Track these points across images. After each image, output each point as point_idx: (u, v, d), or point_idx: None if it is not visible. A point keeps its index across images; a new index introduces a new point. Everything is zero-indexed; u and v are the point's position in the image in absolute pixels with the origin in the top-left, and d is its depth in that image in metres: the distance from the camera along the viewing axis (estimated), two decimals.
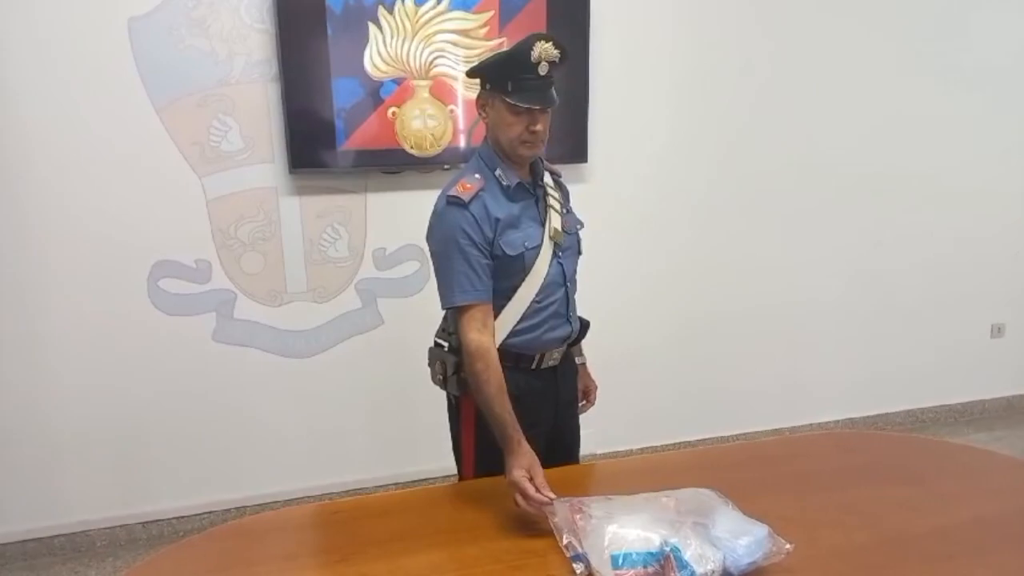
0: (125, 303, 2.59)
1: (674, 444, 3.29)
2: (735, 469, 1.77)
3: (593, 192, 2.92)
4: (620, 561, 1.27)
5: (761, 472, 1.75)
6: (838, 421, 3.54)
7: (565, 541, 1.37)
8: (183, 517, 2.79)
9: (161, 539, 2.74)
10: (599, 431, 2.96)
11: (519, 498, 1.46)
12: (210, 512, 2.81)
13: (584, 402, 2.01)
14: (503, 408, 1.55)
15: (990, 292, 3.64)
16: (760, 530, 1.35)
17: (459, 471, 1.83)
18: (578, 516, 1.40)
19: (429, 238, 1.68)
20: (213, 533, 1.56)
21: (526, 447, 1.52)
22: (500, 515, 1.50)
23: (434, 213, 1.67)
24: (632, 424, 3.22)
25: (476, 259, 1.61)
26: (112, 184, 2.51)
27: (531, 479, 1.46)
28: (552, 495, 1.44)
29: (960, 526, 1.49)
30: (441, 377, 1.76)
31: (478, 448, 1.73)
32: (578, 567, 1.32)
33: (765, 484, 1.67)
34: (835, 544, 1.42)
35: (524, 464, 1.49)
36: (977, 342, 3.68)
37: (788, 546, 1.32)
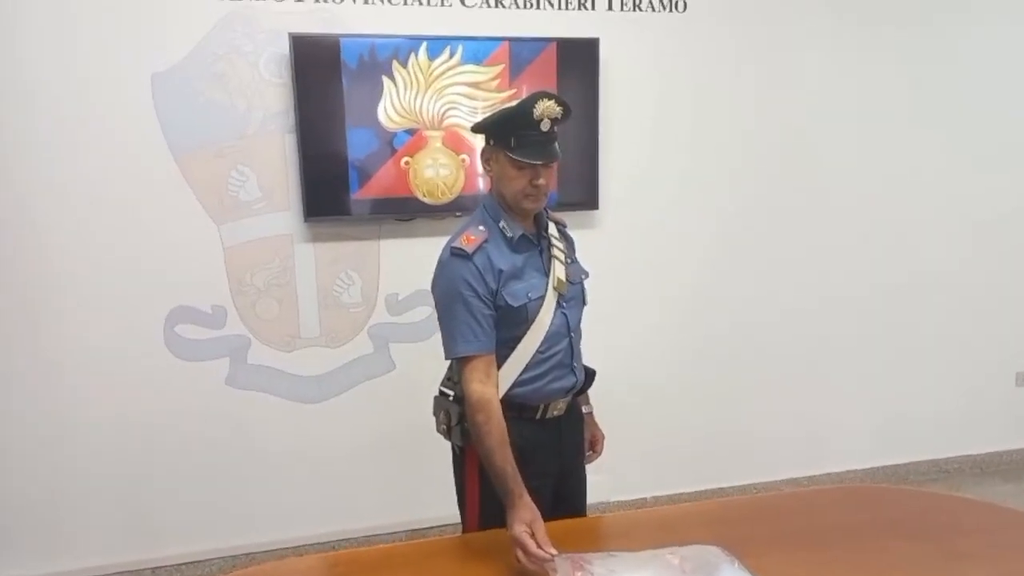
0: (141, 347, 2.64)
1: (689, 493, 3.24)
2: (745, 523, 1.73)
3: (605, 238, 2.94)
4: None
5: (772, 527, 1.71)
6: (857, 471, 3.46)
7: None
8: (192, 563, 2.78)
9: None
10: (612, 478, 2.95)
11: (520, 554, 1.44)
12: (220, 558, 2.80)
13: (591, 452, 2.00)
14: (504, 461, 1.55)
15: (1015, 338, 3.57)
16: None
17: (463, 522, 1.81)
18: (579, 574, 1.38)
19: (433, 289, 1.70)
20: None
21: (528, 501, 1.51)
22: (502, 570, 1.48)
23: (439, 264, 1.69)
24: (645, 472, 3.18)
25: (479, 310, 1.62)
26: (132, 232, 2.57)
27: (532, 534, 1.45)
28: (554, 551, 1.42)
29: None
30: (445, 427, 1.76)
31: (483, 500, 1.72)
32: None
33: (775, 540, 1.63)
34: None
35: (526, 519, 1.47)
36: (1002, 390, 3.59)
37: None
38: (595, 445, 2.00)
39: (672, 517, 1.89)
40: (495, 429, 1.57)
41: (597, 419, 2.02)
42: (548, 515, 1.57)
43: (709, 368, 3.22)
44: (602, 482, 2.93)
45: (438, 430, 1.80)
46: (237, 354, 2.73)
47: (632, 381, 3.02)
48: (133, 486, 2.71)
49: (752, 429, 3.31)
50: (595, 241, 2.75)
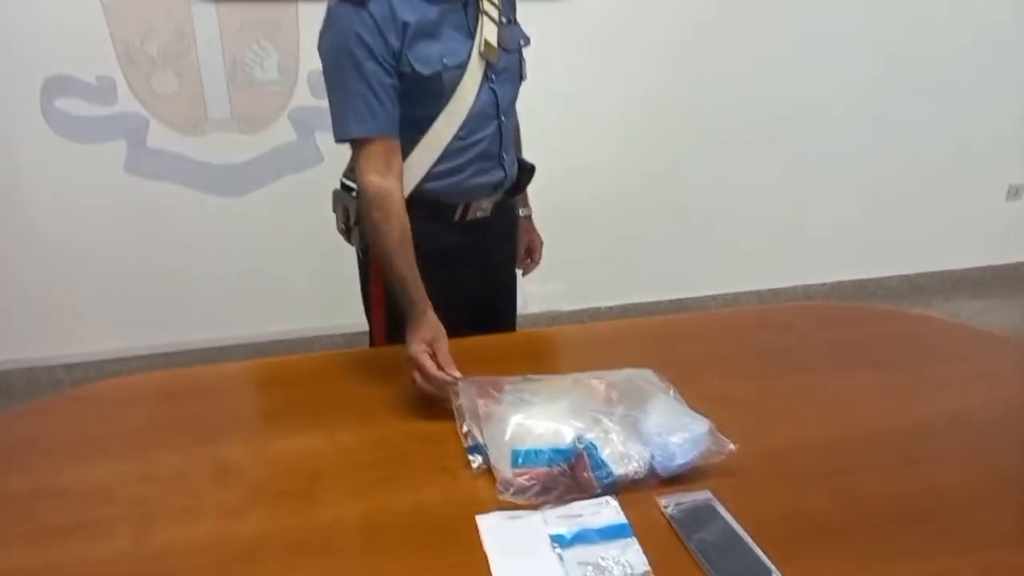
0: (17, 125, 2.26)
1: (647, 303, 3.07)
2: (690, 342, 1.52)
3: (550, 7, 2.46)
4: (521, 459, 1.05)
5: (721, 348, 1.50)
6: (825, 284, 3.28)
7: (464, 429, 1.14)
8: (111, 360, 2.61)
9: (86, 383, 2.57)
10: (566, 287, 2.74)
11: (417, 375, 1.21)
12: (139, 356, 2.63)
13: (528, 260, 1.73)
14: (404, 267, 1.27)
15: (1010, 148, 3.24)
16: (700, 426, 1.11)
17: (370, 336, 1.59)
18: (483, 401, 1.16)
19: (319, 48, 1.31)
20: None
21: (431, 316, 1.26)
22: (398, 393, 1.26)
23: (326, 15, 1.29)
24: (601, 281, 2.97)
25: (376, 77, 1.25)
26: None
27: (433, 354, 1.21)
28: (457, 374, 1.19)
29: (943, 418, 1.26)
30: (344, 226, 1.47)
31: (388, 311, 1.47)
32: (475, 460, 1.10)
33: (723, 362, 1.43)
34: (794, 440, 1.19)
35: (426, 336, 1.23)
36: (991, 204, 3.34)
37: (731, 446, 1.09)
38: (533, 253, 1.72)
39: (610, 334, 1.68)
40: (395, 228, 1.27)
41: (538, 224, 1.73)
42: (470, 331, 1.33)
43: (675, 170, 2.89)
44: (554, 291, 2.74)
45: (337, 229, 1.51)
46: (134, 135, 2.36)
47: (590, 181, 2.71)
48: (37, 281, 2.46)
49: (715, 236, 3.06)
50: (536, 11, 2.31)
